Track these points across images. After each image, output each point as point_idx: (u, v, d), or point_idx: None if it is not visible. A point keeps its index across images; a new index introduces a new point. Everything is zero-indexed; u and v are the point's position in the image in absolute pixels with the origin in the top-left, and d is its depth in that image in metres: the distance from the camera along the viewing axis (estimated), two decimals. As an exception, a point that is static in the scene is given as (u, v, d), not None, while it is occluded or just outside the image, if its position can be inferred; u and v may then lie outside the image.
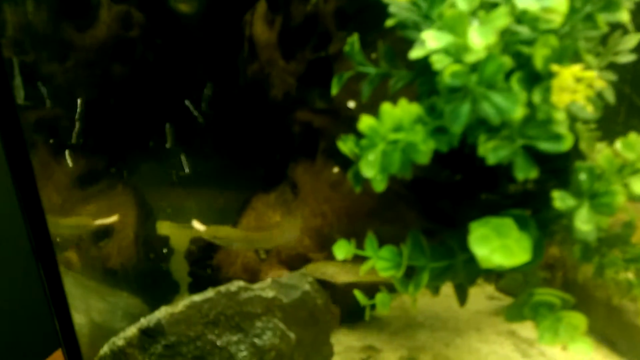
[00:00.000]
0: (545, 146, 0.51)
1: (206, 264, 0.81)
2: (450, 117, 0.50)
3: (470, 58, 0.49)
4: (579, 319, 0.55)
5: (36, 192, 0.58)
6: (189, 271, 0.82)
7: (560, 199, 0.55)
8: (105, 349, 0.61)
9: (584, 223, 0.53)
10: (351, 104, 0.70)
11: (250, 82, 0.80)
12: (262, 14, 0.76)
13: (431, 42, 0.50)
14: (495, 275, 0.74)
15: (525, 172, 0.52)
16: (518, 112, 0.48)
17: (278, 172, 0.85)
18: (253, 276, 0.79)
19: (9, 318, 1.08)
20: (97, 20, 0.81)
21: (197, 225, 0.74)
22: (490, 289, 0.95)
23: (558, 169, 0.58)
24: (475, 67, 0.50)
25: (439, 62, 0.51)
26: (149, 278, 0.83)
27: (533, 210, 0.57)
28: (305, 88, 0.75)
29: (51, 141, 0.81)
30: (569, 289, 0.81)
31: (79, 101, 0.82)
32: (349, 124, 0.72)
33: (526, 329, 0.83)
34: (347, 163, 0.77)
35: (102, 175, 0.87)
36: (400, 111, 0.52)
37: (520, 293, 0.61)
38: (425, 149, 0.54)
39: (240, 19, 0.80)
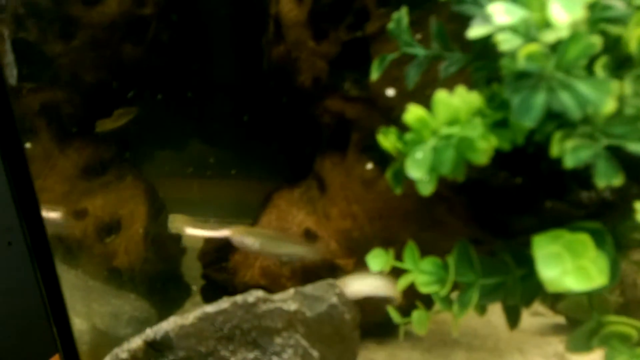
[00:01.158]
0: (636, 147, 0.42)
1: (221, 267, 0.73)
2: (520, 109, 0.42)
3: (550, 37, 0.39)
4: (664, 357, 0.46)
5: (31, 184, 0.51)
6: (202, 273, 0.75)
7: (644, 211, 0.45)
8: (106, 363, 0.54)
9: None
10: (390, 92, 0.61)
11: (275, 66, 0.72)
12: (290, -11, 0.68)
13: (501, 16, 0.41)
14: (552, 296, 0.65)
15: (608, 178, 0.43)
16: (609, 106, 0.39)
17: (303, 165, 0.77)
18: (273, 282, 0.71)
19: (5, 321, 1.03)
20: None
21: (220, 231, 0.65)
22: (535, 304, 0.86)
23: (641, 174, 0.48)
24: (553, 49, 0.41)
25: (508, 42, 0.42)
26: (158, 279, 0.76)
27: (608, 224, 0.48)
28: (337, 73, 0.66)
29: (54, 127, 0.75)
30: (629, 309, 0.72)
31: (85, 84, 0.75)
32: (386, 114, 0.64)
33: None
34: (382, 158, 0.68)
35: (110, 165, 0.80)
36: (459, 101, 0.43)
37: (586, 319, 0.52)
38: (484, 146, 0.45)
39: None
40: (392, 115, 0.64)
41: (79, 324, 0.61)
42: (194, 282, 0.77)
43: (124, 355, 0.53)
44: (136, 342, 0.53)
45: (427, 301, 0.58)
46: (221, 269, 0.73)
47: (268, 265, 0.73)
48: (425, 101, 0.50)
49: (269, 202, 0.77)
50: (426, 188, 0.48)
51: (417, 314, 0.59)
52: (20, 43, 0.68)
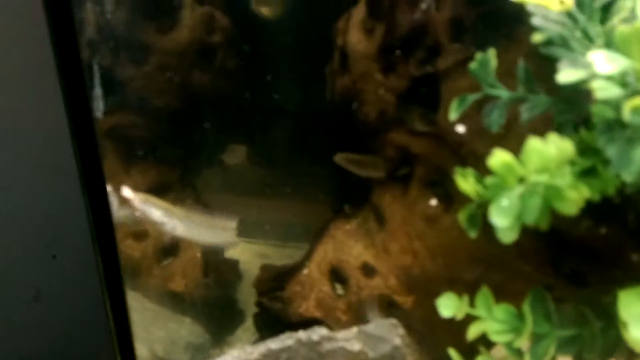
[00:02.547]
0: None
1: (276, 296, 0.73)
2: (619, 162, 0.40)
3: (654, 88, 0.38)
4: None
5: (109, 213, 0.53)
6: (257, 301, 0.75)
7: None
8: (167, 393, 0.54)
9: None
10: (460, 128, 0.60)
11: (339, 97, 0.72)
12: (359, 21, 0.68)
13: (602, 65, 0.40)
14: (627, 351, 0.61)
15: None
16: None
17: (359, 194, 0.76)
18: (328, 314, 0.70)
19: (58, 329, 1.06)
20: (179, 23, 0.75)
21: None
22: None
23: None
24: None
25: (606, 90, 0.41)
26: (213, 304, 0.77)
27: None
28: (405, 108, 0.66)
29: (121, 149, 0.77)
30: None
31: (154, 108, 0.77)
32: (455, 150, 0.63)
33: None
34: (447, 195, 0.67)
35: (172, 187, 0.82)
36: (552, 149, 0.42)
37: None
38: (574, 196, 0.43)
39: (331, 26, 0.72)
40: (461, 152, 0.63)
41: (140, 350, 0.62)
42: (248, 309, 0.77)
43: (188, 386, 0.53)
44: (199, 374, 0.53)
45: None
46: (276, 298, 0.73)
47: (324, 298, 0.72)
48: (498, 139, 0.49)
49: (325, 231, 0.76)
50: (508, 236, 0.46)
51: (482, 360, 0.57)
52: (95, 68, 0.71)
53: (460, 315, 0.53)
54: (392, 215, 0.70)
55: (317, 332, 0.54)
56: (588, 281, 0.54)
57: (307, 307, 0.71)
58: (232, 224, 0.79)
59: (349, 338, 0.55)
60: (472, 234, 0.53)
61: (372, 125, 0.70)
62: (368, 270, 0.70)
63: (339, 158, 0.72)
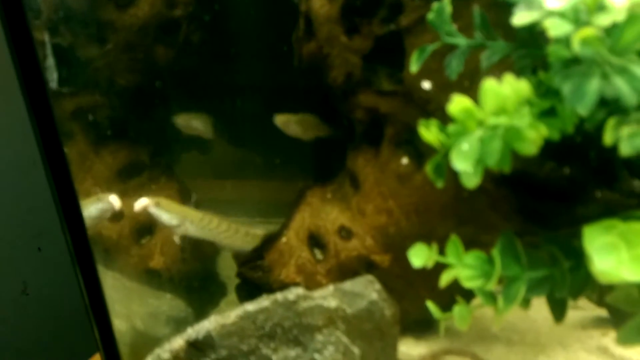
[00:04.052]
0: (695, 132, 0.40)
1: (256, 265, 0.73)
2: (573, 96, 0.40)
3: (605, 20, 0.38)
4: None
5: (72, 187, 0.52)
6: (237, 272, 0.75)
7: (702, 199, 0.44)
8: (149, 362, 0.54)
9: None
10: (426, 85, 0.60)
11: (306, 64, 0.71)
12: (320, -15, 0.67)
13: (552, 1, 0.40)
14: (599, 288, 0.63)
15: (666, 165, 0.41)
16: (668, 88, 0.38)
17: (334, 162, 0.76)
18: (308, 279, 0.71)
19: (47, 320, 1.06)
20: (138, -3, 0.74)
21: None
22: (573, 297, 0.84)
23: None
24: (607, 33, 0.40)
25: (558, 28, 0.41)
26: (194, 279, 0.77)
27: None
28: (371, 68, 0.65)
29: (89, 130, 0.76)
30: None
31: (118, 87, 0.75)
32: (422, 107, 0.63)
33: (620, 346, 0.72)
34: (418, 153, 0.68)
35: (144, 167, 0.81)
36: (508, 90, 0.42)
37: (636, 311, 0.51)
38: (533, 136, 0.44)
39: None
40: (428, 108, 0.63)
41: (119, 325, 0.62)
42: (229, 281, 0.78)
43: (166, 355, 0.53)
44: (178, 342, 0.53)
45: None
46: (256, 267, 0.73)
47: (303, 263, 0.72)
48: (463, 93, 0.49)
49: (302, 199, 0.76)
50: (471, 180, 0.47)
51: (458, 309, 0.58)
52: (55, 48, 0.69)
53: (430, 264, 0.53)
54: (366, 177, 0.71)
55: (294, 292, 0.55)
56: (557, 224, 0.55)
57: (288, 274, 0.72)
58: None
59: (325, 296, 0.56)
60: (439, 184, 0.53)
61: (341, 88, 0.70)
62: (345, 233, 0.71)
63: (279, 120, 0.71)
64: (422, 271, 0.62)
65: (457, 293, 0.59)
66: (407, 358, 0.69)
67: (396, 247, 0.68)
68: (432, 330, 0.75)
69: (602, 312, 0.77)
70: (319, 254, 0.73)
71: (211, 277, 0.79)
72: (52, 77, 0.55)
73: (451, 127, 0.47)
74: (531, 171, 0.51)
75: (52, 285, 1.10)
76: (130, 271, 0.75)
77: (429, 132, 0.49)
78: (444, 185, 0.54)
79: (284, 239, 0.74)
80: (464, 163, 0.45)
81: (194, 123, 0.75)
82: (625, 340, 0.50)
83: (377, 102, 0.66)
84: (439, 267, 0.57)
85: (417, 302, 0.62)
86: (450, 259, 0.53)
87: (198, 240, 0.72)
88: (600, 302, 0.70)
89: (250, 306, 0.54)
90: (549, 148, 0.49)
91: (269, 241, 0.74)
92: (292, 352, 0.54)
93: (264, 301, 0.54)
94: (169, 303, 0.72)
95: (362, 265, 0.69)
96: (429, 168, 0.54)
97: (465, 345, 0.73)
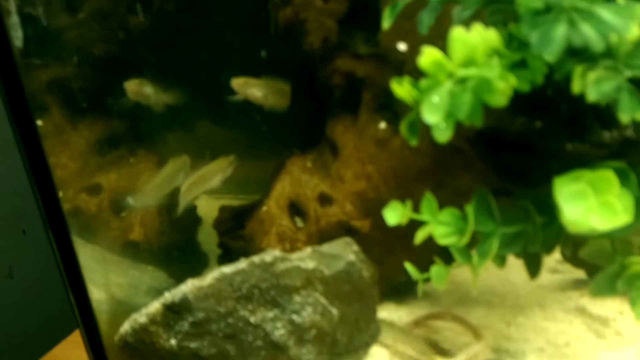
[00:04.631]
0: (662, 77, 0.40)
1: (237, 234, 0.73)
2: (540, 43, 0.40)
3: (570, -36, 0.38)
4: (692, 294, 0.45)
5: (43, 155, 0.51)
6: (219, 242, 0.75)
7: (670, 148, 0.44)
8: (126, 327, 0.54)
9: None
10: (401, 46, 0.60)
11: (283, 30, 0.71)
12: (294, -52, 0.67)
13: (518, -54, 0.40)
14: (572, 243, 0.64)
15: (632, 112, 0.41)
16: (633, 31, 0.38)
17: (315, 131, 0.76)
18: (289, 246, 0.71)
19: (34, 304, 1.05)
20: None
21: None
22: (552, 260, 0.85)
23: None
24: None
25: (524, -26, 0.41)
26: (175, 250, 0.76)
27: (632, 164, 0.47)
28: (346, 31, 0.65)
29: (64, 103, 0.74)
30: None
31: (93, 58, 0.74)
32: (399, 69, 0.63)
33: (597, 306, 0.73)
34: (395, 117, 0.67)
35: (122, 140, 0.80)
36: (476, 38, 0.42)
37: (609, 263, 0.52)
38: (502, 87, 0.44)
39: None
40: (404, 70, 0.63)
41: (97, 294, 0.61)
42: (211, 251, 0.77)
43: (143, 319, 0.53)
44: (155, 306, 0.53)
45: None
46: (237, 237, 0.73)
47: (284, 231, 0.72)
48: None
49: (282, 169, 0.76)
50: (443, 135, 0.47)
51: (435, 269, 0.58)
52: (25, 18, 0.68)
53: (404, 221, 0.54)
54: (344, 144, 0.71)
55: (271, 254, 0.55)
56: (531, 180, 0.55)
57: (269, 242, 0.72)
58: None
59: (303, 257, 0.56)
60: (413, 142, 0.53)
61: (318, 54, 0.69)
62: (325, 200, 0.71)
63: (235, 83, 0.69)
64: (403, 236, 0.63)
65: (437, 257, 0.60)
66: (388, 322, 0.70)
67: (376, 212, 0.68)
68: (412, 295, 0.76)
69: (581, 275, 0.78)
70: (299, 222, 0.73)
71: (193, 248, 0.78)
72: (21, 47, 0.54)
73: (423, 82, 0.47)
74: (503, 127, 0.51)
75: (37, 268, 1.09)
76: (111, 244, 0.75)
77: (402, 88, 0.49)
78: (417, 143, 0.55)
79: (264, 208, 0.74)
80: (435, 116, 0.45)
81: (145, 90, 0.73)
82: (596, 291, 0.51)
83: (353, 66, 0.66)
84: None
85: (398, 267, 0.62)
86: (424, 216, 0.53)
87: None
88: (574, 259, 0.71)
89: (227, 268, 0.54)
90: (520, 103, 0.50)
91: (249, 210, 0.74)
92: (270, 314, 0.54)
93: (240, 263, 0.54)
94: (150, 274, 0.72)
95: (342, 231, 0.70)
96: (403, 126, 0.54)
97: (446, 308, 0.74)
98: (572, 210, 0.42)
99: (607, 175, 0.42)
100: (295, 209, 0.73)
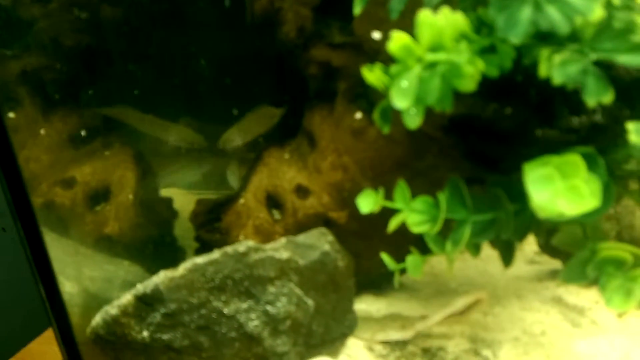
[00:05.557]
0: (625, 59, 0.41)
1: (214, 227, 0.72)
2: (506, 26, 0.40)
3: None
4: (660, 277, 0.45)
5: (10, 149, 0.50)
6: (196, 235, 0.74)
7: (636, 132, 0.45)
8: (97, 319, 0.53)
9: (669, 159, 0.43)
10: (376, 35, 0.59)
11: (259, 20, 0.70)
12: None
13: None
14: (546, 231, 0.64)
15: (598, 95, 0.42)
16: (597, 13, 0.38)
17: (292, 123, 0.76)
18: (266, 239, 0.70)
19: (15, 302, 1.03)
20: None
21: None
22: (530, 252, 0.86)
23: (633, 96, 0.47)
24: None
25: (491, -42, 0.41)
26: (151, 244, 0.75)
27: (601, 150, 0.47)
28: (322, 20, 0.65)
29: (37, 95, 0.73)
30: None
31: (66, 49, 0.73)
32: (373, 58, 0.62)
33: (574, 295, 0.73)
34: (371, 107, 0.67)
35: (97, 132, 0.79)
36: (443, 22, 0.42)
37: (580, 249, 0.52)
38: (471, 71, 0.44)
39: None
40: (378, 59, 0.63)
41: (70, 287, 0.60)
42: (188, 246, 0.77)
43: (114, 311, 0.52)
44: (126, 298, 0.53)
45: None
46: (214, 230, 0.72)
47: (261, 224, 0.72)
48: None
49: (259, 161, 0.76)
50: (413, 121, 0.46)
51: (411, 259, 0.58)
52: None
53: (377, 209, 0.54)
54: (321, 135, 0.70)
55: (244, 244, 0.54)
56: (504, 168, 0.55)
57: (246, 235, 0.71)
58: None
59: (277, 248, 0.56)
60: (385, 130, 0.53)
61: (293, 43, 0.69)
62: (302, 192, 0.70)
63: (222, 143, 0.73)
64: (380, 228, 0.63)
65: (413, 247, 0.60)
66: (366, 315, 0.70)
67: (353, 203, 0.68)
68: (391, 287, 0.76)
69: (558, 265, 0.78)
70: (277, 214, 0.73)
71: (169, 241, 0.77)
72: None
73: (393, 67, 0.47)
74: (475, 113, 0.52)
75: (17, 265, 1.07)
76: (85, 238, 0.74)
77: (372, 75, 0.49)
78: (390, 131, 0.54)
79: (241, 201, 0.73)
80: (404, 101, 0.44)
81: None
82: (568, 278, 0.51)
83: (329, 56, 0.66)
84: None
85: (376, 258, 0.62)
86: (398, 204, 0.53)
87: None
88: (551, 249, 0.72)
89: (200, 259, 0.53)
90: (491, 89, 0.50)
91: (226, 203, 0.73)
92: (244, 305, 0.54)
93: (213, 254, 0.54)
94: (126, 269, 0.71)
95: (319, 223, 0.69)
96: (376, 114, 0.54)
97: (424, 300, 0.74)
98: (539, 194, 0.42)
99: (574, 160, 0.43)
100: (273, 201, 0.73)
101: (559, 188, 0.42)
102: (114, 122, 0.80)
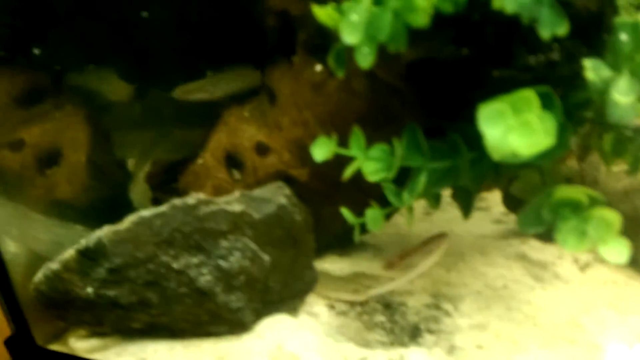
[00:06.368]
0: (580, -11, 0.39)
1: (171, 188, 0.70)
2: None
3: None
4: (611, 216, 0.44)
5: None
6: (152, 197, 0.71)
7: (592, 69, 0.43)
8: (39, 275, 0.51)
9: (623, 94, 0.42)
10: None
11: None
12: None
13: None
14: (506, 181, 0.63)
15: (552, 27, 0.40)
16: None
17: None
18: (225, 199, 0.68)
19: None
20: None
21: None
22: (497, 212, 0.86)
23: (590, 33, 0.46)
24: None
25: None
26: (105, 207, 0.72)
27: (561, 96, 0.46)
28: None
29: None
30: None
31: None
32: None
33: (538, 251, 0.73)
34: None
35: (47, 93, 0.75)
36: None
37: (537, 195, 0.51)
38: (423, 4, 0.42)
39: None
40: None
41: (15, 248, 0.57)
42: (144, 207, 0.74)
43: (56, 266, 0.50)
44: (69, 253, 0.50)
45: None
46: (171, 191, 0.70)
47: (220, 184, 0.69)
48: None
49: (219, 120, 0.73)
50: (366, 60, 0.44)
51: (370, 212, 0.57)
52: None
53: (330, 155, 0.52)
54: (281, 90, 0.68)
55: (194, 197, 0.52)
56: (461, 115, 0.54)
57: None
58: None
59: (229, 201, 0.53)
60: (340, 74, 0.51)
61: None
62: (262, 150, 0.68)
63: (176, 95, 0.70)
64: (344, 187, 0.61)
65: (372, 201, 0.58)
66: (326, 271, 0.68)
67: (315, 161, 0.66)
68: (355, 247, 0.75)
69: (523, 224, 0.78)
70: (237, 174, 0.70)
71: (124, 204, 0.74)
72: None
73: (345, 4, 0.45)
74: (432, 57, 0.50)
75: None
76: (36, 203, 0.70)
77: (323, 13, 0.46)
78: (349, 90, 0.52)
79: (199, 161, 0.71)
80: (354, 36, 0.42)
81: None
82: (524, 224, 0.51)
83: (287, 4, 0.63)
84: (359, 181, 0.55)
85: (339, 218, 0.60)
86: (353, 151, 0.52)
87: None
88: (509, 202, 0.71)
89: (146, 212, 0.51)
90: (448, 31, 0.48)
91: (183, 163, 0.70)
92: (195, 259, 0.52)
93: (161, 207, 0.51)
94: (79, 233, 0.68)
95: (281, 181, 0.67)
96: (330, 59, 0.52)
97: (388, 258, 0.73)
98: (492, 131, 0.41)
99: (527, 95, 0.41)
100: (233, 160, 0.70)
101: (511, 124, 0.41)
102: (64, 81, 0.76)
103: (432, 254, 0.65)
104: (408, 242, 0.76)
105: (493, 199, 0.87)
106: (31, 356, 0.55)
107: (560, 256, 0.72)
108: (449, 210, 0.84)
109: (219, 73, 0.75)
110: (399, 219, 0.75)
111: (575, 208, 0.46)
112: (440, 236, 0.68)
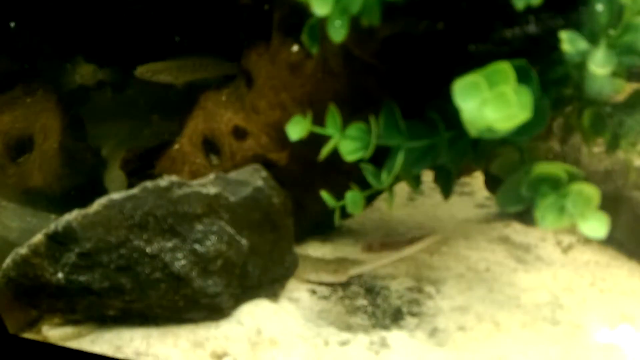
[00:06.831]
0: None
1: (147, 174, 0.68)
2: None
3: None
4: (590, 190, 0.44)
5: None
6: (128, 183, 0.70)
7: (569, 41, 0.43)
8: (7, 261, 0.49)
9: (600, 66, 0.41)
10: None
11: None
12: None
13: None
14: (486, 160, 0.62)
15: (527, -3, 0.39)
16: None
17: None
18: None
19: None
20: None
21: None
22: (481, 197, 0.85)
23: (566, 6, 0.45)
24: None
25: None
26: (79, 195, 0.71)
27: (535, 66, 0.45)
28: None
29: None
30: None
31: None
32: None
33: (521, 234, 0.73)
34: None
35: (17, 79, 0.73)
36: None
37: (515, 173, 0.50)
38: (395, -26, 0.40)
39: None
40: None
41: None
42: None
43: (24, 250, 0.48)
44: (37, 237, 0.48)
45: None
46: (147, 177, 0.68)
47: (198, 169, 0.68)
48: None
49: (196, 105, 0.71)
50: (338, 33, 0.43)
51: (350, 195, 0.56)
52: None
53: (305, 134, 0.51)
54: (258, 73, 0.66)
55: (166, 179, 0.51)
56: (442, 93, 0.53)
57: (181, 182, 0.67)
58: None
59: (204, 183, 0.52)
60: (313, 50, 0.50)
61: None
62: (240, 134, 0.67)
63: (139, 73, 0.69)
64: (323, 169, 0.60)
65: (352, 184, 0.57)
66: (307, 255, 0.67)
67: (293, 143, 0.65)
68: (337, 233, 0.74)
69: (506, 207, 0.78)
70: (215, 160, 0.69)
71: (99, 191, 0.73)
72: None
73: (317, -23, 0.44)
74: (407, 32, 0.49)
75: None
76: (8, 192, 0.69)
77: (296, -13, 0.45)
78: (326, 70, 0.51)
79: (176, 146, 0.69)
80: (324, 7, 0.41)
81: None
82: (503, 203, 0.50)
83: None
84: (340, 164, 0.54)
85: (319, 201, 0.59)
86: (329, 130, 0.50)
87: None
88: (488, 180, 0.71)
89: (117, 195, 0.49)
90: (423, 5, 0.47)
91: (158, 149, 0.69)
92: (169, 243, 0.50)
93: (132, 190, 0.50)
94: (52, 221, 0.66)
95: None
96: (304, 35, 0.50)
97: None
98: (467, 104, 0.40)
99: (502, 68, 0.40)
100: (210, 145, 0.69)
101: (486, 96, 0.40)
102: (35, 66, 0.74)
103: (418, 243, 0.64)
104: (391, 227, 0.76)
105: (477, 184, 0.87)
106: (3, 345, 0.54)
107: (543, 239, 0.72)
108: (433, 195, 0.83)
109: (188, 58, 0.74)
110: (382, 204, 0.75)
111: (554, 184, 0.45)
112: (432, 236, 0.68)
